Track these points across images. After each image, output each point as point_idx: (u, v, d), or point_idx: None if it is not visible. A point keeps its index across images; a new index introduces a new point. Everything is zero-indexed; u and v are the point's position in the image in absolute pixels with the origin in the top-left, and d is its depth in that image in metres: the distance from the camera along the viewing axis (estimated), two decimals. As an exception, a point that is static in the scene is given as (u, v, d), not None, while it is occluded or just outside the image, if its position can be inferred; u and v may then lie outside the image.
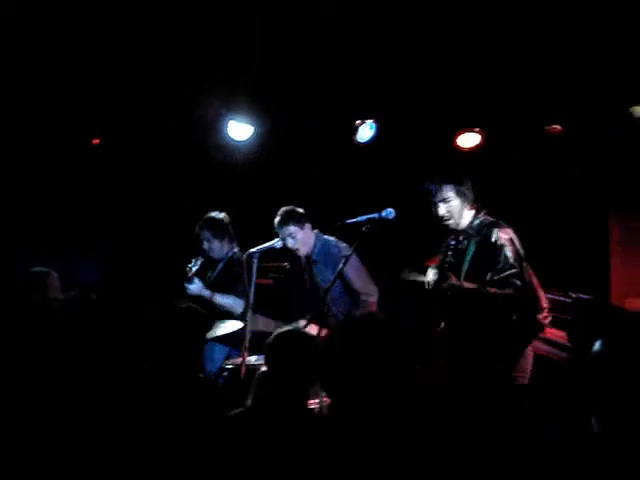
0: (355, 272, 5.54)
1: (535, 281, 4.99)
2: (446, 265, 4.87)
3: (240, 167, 7.46)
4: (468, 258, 4.90)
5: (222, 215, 6.34)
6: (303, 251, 5.81)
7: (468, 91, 6.69)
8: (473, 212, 5.03)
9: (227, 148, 7.18)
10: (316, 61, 6.57)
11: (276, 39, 6.34)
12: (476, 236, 4.94)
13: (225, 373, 5.65)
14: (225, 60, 6.49)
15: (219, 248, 6.30)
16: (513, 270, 4.77)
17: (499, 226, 4.93)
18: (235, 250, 6.35)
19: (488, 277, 4.78)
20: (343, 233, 5.45)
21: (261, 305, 5.95)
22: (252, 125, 6.90)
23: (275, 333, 3.68)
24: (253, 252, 5.62)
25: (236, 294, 6.15)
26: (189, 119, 7.02)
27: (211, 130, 7.05)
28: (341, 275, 5.24)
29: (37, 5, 6.00)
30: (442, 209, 5.00)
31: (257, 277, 5.71)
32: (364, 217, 4.91)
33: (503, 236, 4.86)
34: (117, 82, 6.75)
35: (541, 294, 4.98)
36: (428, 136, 6.95)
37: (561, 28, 6.05)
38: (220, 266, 6.34)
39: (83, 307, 4.42)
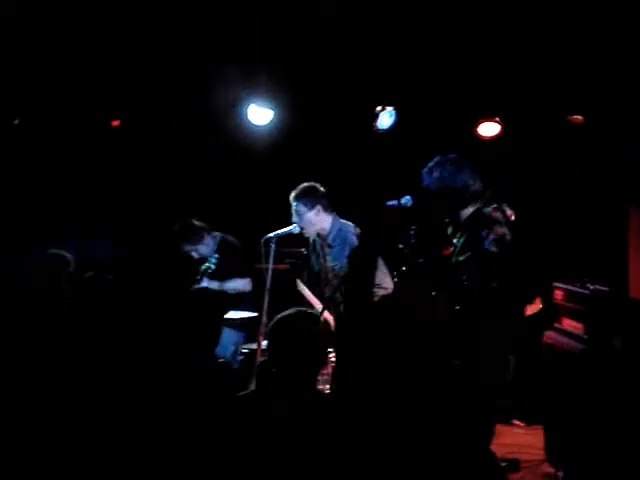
0: None
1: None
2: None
3: (259, 152, 7.46)
4: (457, 251, 4.78)
5: (191, 221, 6.44)
6: (309, 232, 5.67)
7: (489, 81, 6.67)
8: (476, 206, 4.78)
9: (246, 133, 7.18)
10: (338, 48, 6.56)
11: (298, 24, 6.33)
12: (471, 229, 4.71)
13: (241, 357, 5.69)
14: (245, 44, 6.49)
15: (206, 248, 6.42)
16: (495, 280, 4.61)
17: (496, 225, 4.65)
18: (218, 236, 6.42)
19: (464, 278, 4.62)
20: (362, 219, 5.44)
21: (277, 290, 5.97)
22: (272, 109, 6.90)
23: (277, 317, 3.62)
24: (270, 237, 5.62)
25: (239, 275, 6.24)
26: (209, 103, 7.02)
27: (231, 114, 7.05)
28: None
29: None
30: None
31: (274, 262, 5.72)
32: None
33: (493, 237, 4.61)
34: (136, 65, 6.76)
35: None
36: (448, 125, 6.92)
37: (585, 15, 6.03)
38: (214, 258, 6.36)
39: (99, 288, 4.45)
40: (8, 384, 3.84)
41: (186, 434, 3.52)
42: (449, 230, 4.95)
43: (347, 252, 5.51)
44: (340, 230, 5.64)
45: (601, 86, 6.46)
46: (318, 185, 5.68)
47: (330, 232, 5.65)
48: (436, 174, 4.82)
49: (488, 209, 4.73)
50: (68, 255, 5.52)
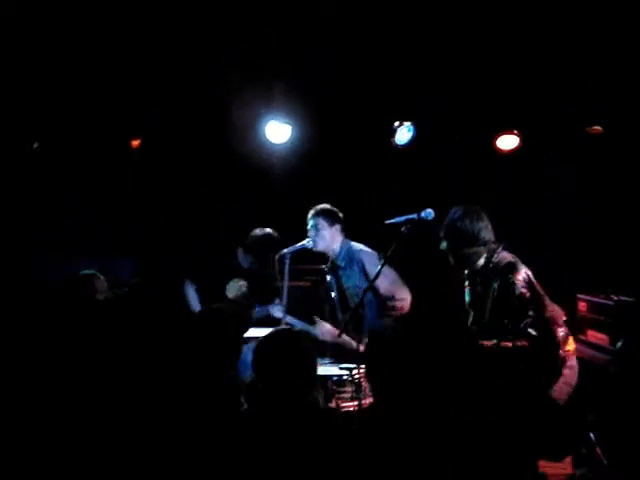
0: (380, 279, 5.23)
1: (553, 314, 4.79)
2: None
3: (278, 171, 7.47)
4: (490, 299, 4.69)
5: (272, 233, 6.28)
6: (320, 247, 5.76)
7: (506, 93, 6.66)
8: (488, 252, 4.85)
9: (264, 151, 7.19)
10: (355, 63, 6.57)
11: (314, 40, 6.35)
12: (495, 278, 4.72)
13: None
14: (262, 61, 6.51)
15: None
16: (528, 319, 4.61)
17: (516, 269, 4.72)
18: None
19: (506, 322, 4.58)
20: (382, 233, 5.42)
21: (298, 307, 5.95)
22: (290, 125, 6.88)
23: (265, 334, 3.63)
24: (285, 253, 5.64)
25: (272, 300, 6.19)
26: (227, 121, 7.04)
27: (249, 132, 7.05)
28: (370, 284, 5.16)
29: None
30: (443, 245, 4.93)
31: (294, 279, 5.71)
32: (403, 218, 4.85)
33: (520, 282, 4.67)
34: (154, 84, 6.80)
35: (555, 329, 4.82)
36: (467, 138, 6.91)
37: (600, 28, 6.02)
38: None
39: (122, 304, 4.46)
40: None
41: (194, 449, 3.52)
42: (465, 278, 4.99)
43: (357, 272, 5.57)
44: (348, 250, 5.76)
45: (618, 96, 6.43)
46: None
47: (339, 253, 5.77)
48: (459, 213, 4.87)
49: (501, 254, 4.80)
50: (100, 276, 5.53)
